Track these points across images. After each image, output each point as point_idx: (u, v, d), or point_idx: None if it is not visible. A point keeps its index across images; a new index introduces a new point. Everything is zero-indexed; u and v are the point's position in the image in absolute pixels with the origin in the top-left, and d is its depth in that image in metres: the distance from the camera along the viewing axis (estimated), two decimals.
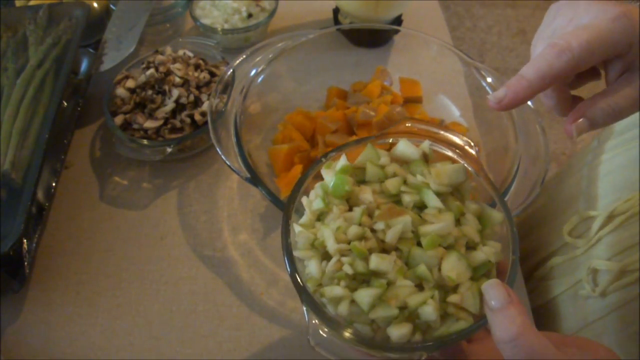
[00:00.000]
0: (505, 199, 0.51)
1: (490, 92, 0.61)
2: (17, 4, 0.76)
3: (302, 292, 0.33)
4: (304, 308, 0.33)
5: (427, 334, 0.32)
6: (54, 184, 0.61)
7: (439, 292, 0.32)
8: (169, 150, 0.60)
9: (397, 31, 0.71)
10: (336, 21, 0.81)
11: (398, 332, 0.31)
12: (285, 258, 0.34)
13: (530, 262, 0.67)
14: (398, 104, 0.65)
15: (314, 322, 0.33)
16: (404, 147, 0.38)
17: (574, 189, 0.64)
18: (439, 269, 0.33)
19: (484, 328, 0.32)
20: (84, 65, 0.70)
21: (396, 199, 0.36)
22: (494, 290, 0.30)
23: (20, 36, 0.67)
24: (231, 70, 0.60)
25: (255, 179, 0.51)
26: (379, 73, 0.69)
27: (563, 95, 0.39)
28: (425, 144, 0.38)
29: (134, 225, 0.61)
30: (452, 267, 0.33)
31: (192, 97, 0.63)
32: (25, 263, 0.54)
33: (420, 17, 0.84)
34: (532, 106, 0.58)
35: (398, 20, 0.79)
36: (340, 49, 0.71)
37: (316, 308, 0.32)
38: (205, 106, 0.63)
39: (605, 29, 0.33)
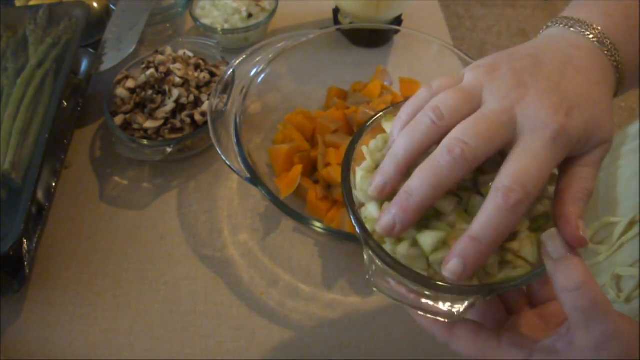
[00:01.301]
0: None
1: None
2: (17, 4, 0.76)
3: (363, 229, 0.33)
4: (364, 248, 0.33)
5: (484, 280, 0.32)
6: (54, 184, 0.61)
7: None
8: (169, 150, 0.60)
9: (397, 31, 0.71)
10: (336, 21, 0.81)
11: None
12: (346, 199, 0.35)
13: None
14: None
15: (370, 260, 0.33)
16: None
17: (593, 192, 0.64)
18: None
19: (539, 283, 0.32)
20: (84, 65, 0.70)
21: None
22: (555, 240, 0.30)
23: (20, 36, 0.67)
24: (231, 70, 0.60)
25: (255, 179, 0.51)
26: (379, 73, 0.69)
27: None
28: None
29: (134, 225, 0.61)
30: None
31: (192, 97, 0.63)
32: (25, 263, 0.54)
33: (420, 17, 0.84)
34: None
35: (398, 20, 0.79)
36: (340, 49, 0.71)
37: (377, 246, 0.32)
38: (205, 106, 0.63)
39: None
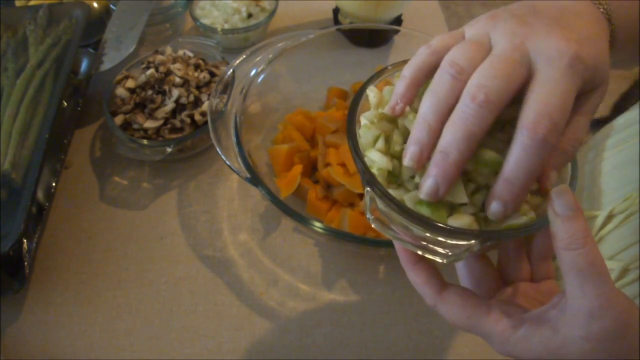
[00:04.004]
0: None
1: None
2: (17, 4, 0.76)
3: (366, 171, 0.33)
4: (365, 191, 0.33)
5: (487, 227, 0.32)
6: (54, 184, 0.61)
7: None
8: (169, 150, 0.60)
9: (397, 31, 0.71)
10: (336, 21, 0.81)
11: (459, 222, 0.31)
12: (351, 145, 0.35)
13: None
14: None
15: (370, 201, 0.33)
16: None
17: (578, 185, 0.64)
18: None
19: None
20: (84, 65, 0.70)
21: None
22: (564, 196, 0.29)
23: (20, 36, 0.67)
24: (231, 70, 0.60)
25: (255, 179, 0.51)
26: None
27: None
28: None
29: (134, 225, 0.61)
30: None
31: (192, 97, 0.63)
32: (25, 263, 0.54)
33: (420, 17, 0.84)
34: None
35: (398, 20, 0.79)
36: (340, 49, 0.71)
37: (380, 185, 0.32)
38: (205, 106, 0.63)
39: None
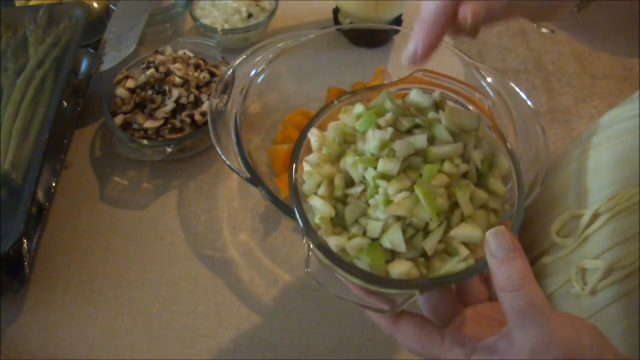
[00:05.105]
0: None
1: (490, 93, 0.61)
2: (17, 4, 0.76)
3: (305, 223, 0.33)
4: (304, 240, 0.34)
5: (427, 275, 0.33)
6: (54, 184, 0.61)
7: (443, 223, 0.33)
8: (169, 150, 0.60)
9: (397, 31, 0.71)
10: (336, 21, 0.81)
11: (399, 269, 0.32)
12: (291, 190, 0.35)
13: None
14: None
15: (311, 254, 0.33)
16: (416, 95, 0.38)
17: (563, 184, 0.64)
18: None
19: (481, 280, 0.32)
20: (84, 65, 0.70)
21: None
22: (499, 238, 0.29)
23: (20, 36, 0.67)
24: (231, 70, 0.60)
25: (255, 179, 0.51)
26: (379, 73, 0.69)
27: None
28: (437, 93, 0.39)
29: (134, 225, 0.61)
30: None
31: (192, 97, 0.63)
32: (25, 263, 0.54)
33: None
34: (532, 106, 0.58)
35: (398, 20, 0.79)
36: (340, 49, 0.71)
37: (318, 240, 0.33)
38: (205, 106, 0.63)
39: None
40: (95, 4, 0.76)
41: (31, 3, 0.75)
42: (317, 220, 0.34)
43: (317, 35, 0.65)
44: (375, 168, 0.33)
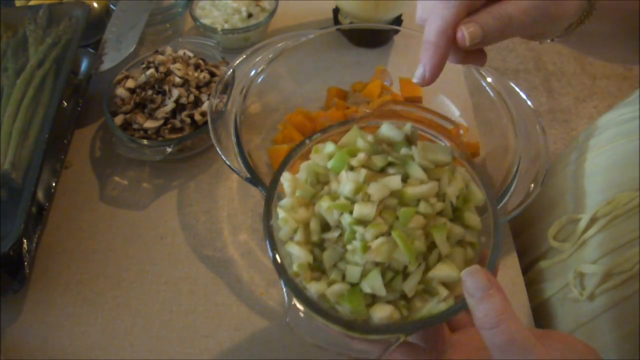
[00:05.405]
0: (505, 199, 0.51)
1: (491, 93, 0.61)
2: (17, 4, 0.76)
3: (283, 273, 0.33)
4: (284, 290, 0.33)
5: (408, 317, 0.33)
6: (54, 184, 0.61)
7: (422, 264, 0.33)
8: (169, 150, 0.60)
9: (397, 31, 0.71)
10: (336, 21, 0.81)
11: (380, 313, 0.32)
12: (267, 241, 0.34)
13: (520, 264, 0.67)
14: None
15: (293, 304, 0.33)
16: (387, 129, 0.38)
17: (560, 187, 0.64)
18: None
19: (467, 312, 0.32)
20: (84, 65, 0.70)
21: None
22: (474, 278, 0.30)
23: (20, 36, 0.67)
24: (231, 70, 0.60)
25: (255, 179, 0.51)
26: (379, 73, 0.69)
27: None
28: (408, 126, 0.38)
29: (134, 225, 0.61)
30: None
31: (192, 97, 0.63)
32: (25, 263, 0.54)
33: None
34: (532, 106, 0.58)
35: (398, 20, 0.79)
36: (340, 49, 0.71)
37: (297, 289, 0.32)
38: (205, 106, 0.63)
39: None
40: (95, 4, 0.76)
41: (31, 3, 0.75)
42: (295, 268, 0.33)
43: (317, 35, 0.65)
44: (351, 213, 0.33)
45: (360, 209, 0.32)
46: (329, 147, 0.37)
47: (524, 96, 0.59)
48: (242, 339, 0.53)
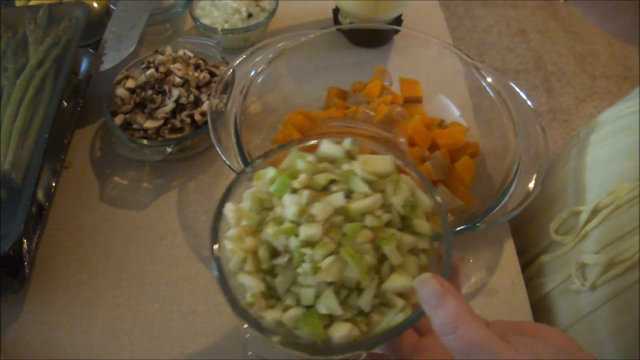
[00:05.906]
0: (505, 199, 0.51)
1: (491, 93, 0.61)
2: (17, 4, 0.76)
3: (235, 306, 0.33)
4: (241, 322, 0.33)
5: (368, 332, 0.33)
6: (54, 184, 0.61)
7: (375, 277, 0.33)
8: (169, 150, 0.60)
9: (397, 31, 0.71)
10: (336, 21, 0.81)
11: (339, 332, 0.31)
12: (216, 275, 0.34)
13: (520, 261, 0.67)
14: (398, 104, 0.65)
15: (249, 335, 0.33)
16: (327, 147, 0.38)
17: (561, 183, 0.64)
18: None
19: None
20: (84, 65, 0.70)
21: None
22: (426, 286, 0.30)
23: (20, 36, 0.67)
24: (231, 70, 0.60)
25: None
26: (379, 73, 0.69)
27: None
28: (347, 141, 0.38)
29: (134, 225, 0.61)
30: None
31: (192, 97, 0.63)
32: (25, 263, 0.54)
33: (420, 17, 0.84)
34: (532, 106, 0.58)
35: (398, 20, 0.79)
36: (340, 49, 0.71)
37: (252, 321, 0.32)
38: (205, 106, 0.63)
39: None
40: (95, 4, 0.76)
41: (31, 3, 0.75)
42: (249, 298, 0.33)
43: (317, 35, 0.65)
44: (297, 236, 0.33)
45: (306, 231, 0.32)
46: (270, 172, 0.37)
47: (524, 96, 0.59)
48: (242, 339, 0.53)
